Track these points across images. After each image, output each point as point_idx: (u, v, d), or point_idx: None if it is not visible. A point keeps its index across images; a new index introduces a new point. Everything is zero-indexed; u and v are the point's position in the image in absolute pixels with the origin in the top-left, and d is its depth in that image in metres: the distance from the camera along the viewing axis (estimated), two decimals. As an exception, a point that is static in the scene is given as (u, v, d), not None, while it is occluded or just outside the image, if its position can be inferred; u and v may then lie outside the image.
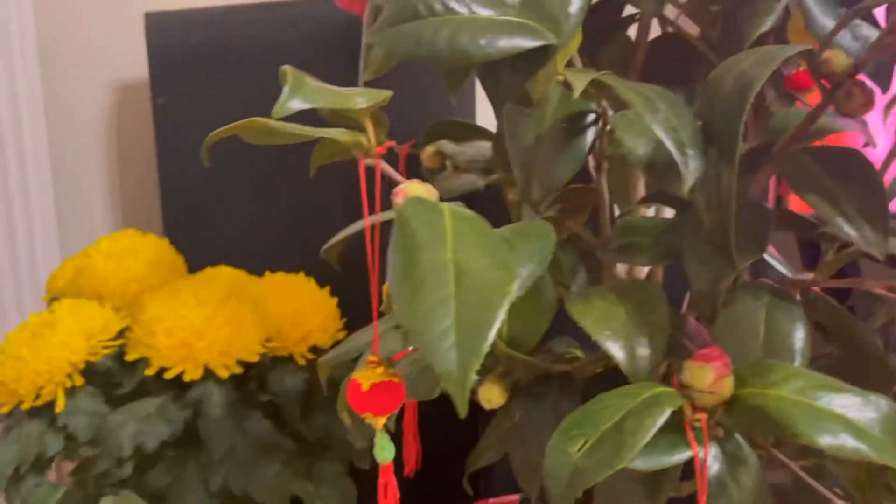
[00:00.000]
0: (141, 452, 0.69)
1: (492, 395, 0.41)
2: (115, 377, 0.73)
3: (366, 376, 0.37)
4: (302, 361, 0.79)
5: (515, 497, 0.95)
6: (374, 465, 0.93)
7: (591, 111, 0.45)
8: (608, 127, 0.45)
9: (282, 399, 0.77)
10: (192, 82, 1.01)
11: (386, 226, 0.40)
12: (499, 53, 0.37)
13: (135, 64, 1.12)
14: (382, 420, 0.38)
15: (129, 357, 0.71)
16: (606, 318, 0.37)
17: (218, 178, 1.01)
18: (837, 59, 0.36)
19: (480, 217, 0.34)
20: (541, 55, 0.39)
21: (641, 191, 0.60)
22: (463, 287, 0.29)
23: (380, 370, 0.37)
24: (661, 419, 0.31)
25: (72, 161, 1.14)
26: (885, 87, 0.40)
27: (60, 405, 0.68)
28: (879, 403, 0.31)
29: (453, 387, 0.28)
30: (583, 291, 0.41)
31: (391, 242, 0.33)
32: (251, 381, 0.77)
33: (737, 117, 0.33)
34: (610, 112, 0.45)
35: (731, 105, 0.34)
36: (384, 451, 0.39)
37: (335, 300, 0.85)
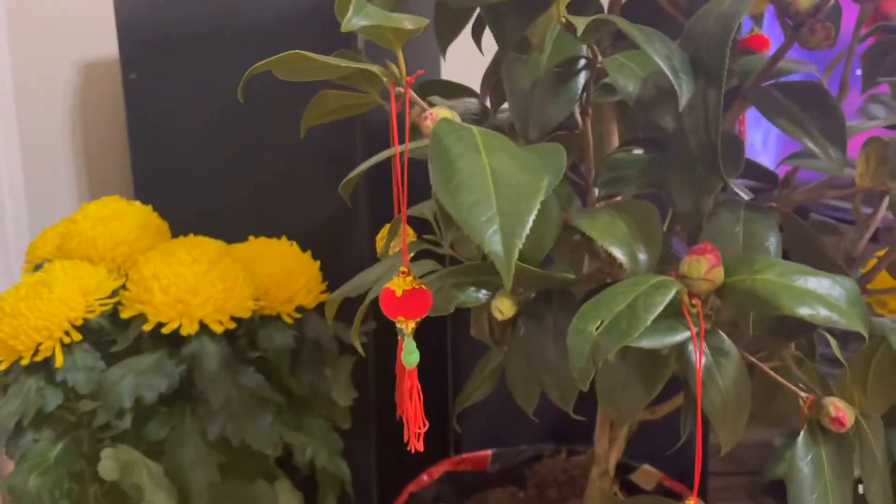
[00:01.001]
0: (140, 405, 0.71)
1: (503, 306, 0.46)
2: (108, 335, 0.75)
3: (398, 284, 0.41)
4: (289, 320, 0.83)
5: (488, 452, 1.01)
6: (355, 424, 0.96)
7: (583, 56, 0.50)
8: (599, 69, 0.50)
9: (271, 355, 0.80)
10: (161, 58, 1.02)
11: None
12: (511, -6, 0.41)
13: (103, 41, 1.13)
14: (412, 324, 0.42)
15: (125, 314, 0.73)
16: (610, 229, 0.42)
17: (189, 152, 1.03)
18: (802, 0, 0.42)
19: (502, 135, 0.39)
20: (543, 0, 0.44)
21: (616, 141, 0.66)
22: (499, 185, 0.34)
23: (410, 279, 0.42)
24: (668, 297, 0.36)
25: (41, 138, 1.14)
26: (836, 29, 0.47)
27: (59, 361, 0.69)
28: (845, 283, 0.37)
29: (500, 264, 0.32)
30: (584, 210, 0.46)
31: (430, 156, 0.37)
32: (241, 338, 0.79)
33: (723, 44, 0.38)
34: (600, 57, 0.50)
35: (716, 35, 0.39)
36: (410, 356, 0.44)
37: (318, 263, 0.89)
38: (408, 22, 0.36)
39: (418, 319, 0.42)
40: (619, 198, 0.57)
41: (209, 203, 1.02)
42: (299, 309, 0.84)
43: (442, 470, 0.97)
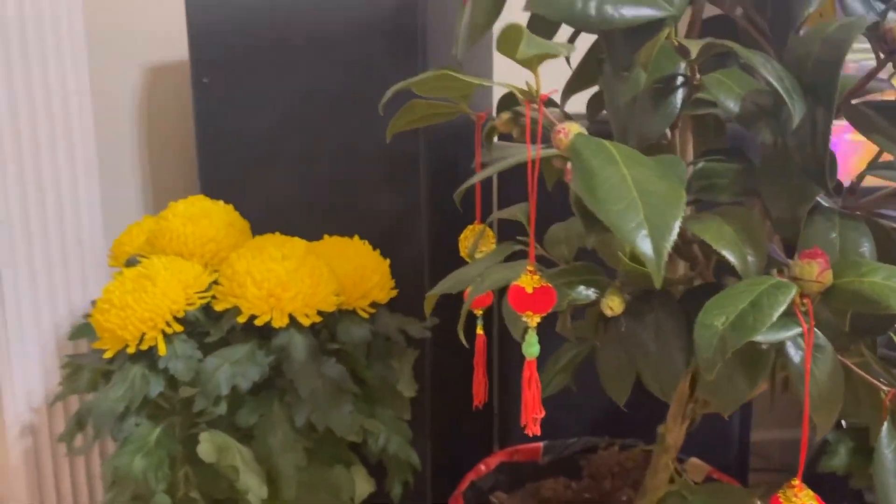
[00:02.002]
0: (235, 393, 0.75)
1: (614, 304, 0.50)
2: (201, 326, 0.79)
3: (528, 282, 0.46)
4: (364, 315, 0.87)
5: (540, 444, 1.05)
6: (415, 416, 1.01)
7: (682, 74, 0.54)
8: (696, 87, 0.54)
9: (349, 347, 0.84)
10: (231, 63, 1.06)
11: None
12: (635, 21, 0.46)
13: (172, 45, 1.18)
14: (537, 318, 0.46)
15: (219, 307, 0.78)
16: (720, 233, 0.46)
17: (254, 155, 1.07)
18: (899, 29, 0.46)
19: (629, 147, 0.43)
20: (656, 24, 0.48)
21: (691, 150, 0.70)
22: (643, 193, 0.38)
23: (537, 277, 0.46)
24: (790, 297, 0.40)
25: (112, 139, 1.18)
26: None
27: (163, 350, 0.74)
28: (946, 286, 0.41)
29: (651, 265, 0.37)
30: (693, 215, 0.50)
31: (573, 168, 0.41)
32: (322, 330, 0.84)
33: (835, 68, 0.42)
34: (698, 75, 0.54)
35: (826, 60, 0.43)
36: (532, 348, 0.48)
37: (388, 261, 0.93)
38: (563, 49, 0.40)
39: (544, 314, 0.46)
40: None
41: (274, 204, 1.06)
42: (373, 304, 0.89)
43: (498, 460, 1.02)
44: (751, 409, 1.13)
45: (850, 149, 0.99)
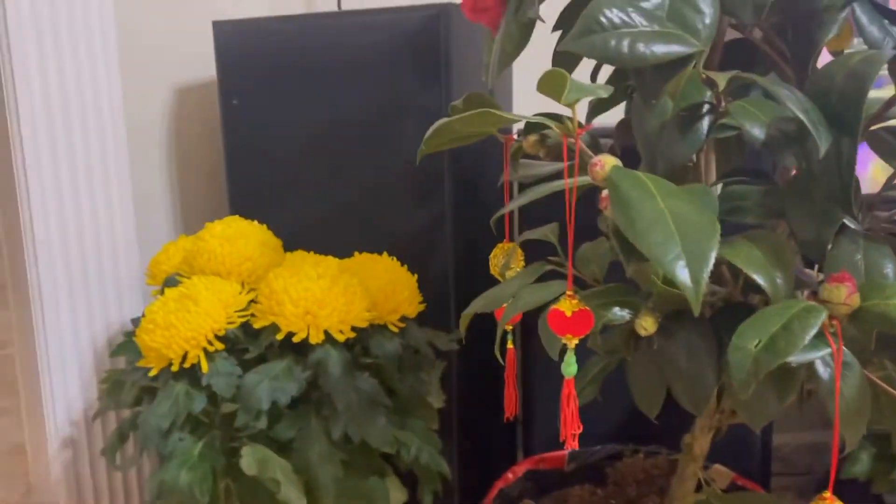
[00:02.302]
0: (276, 407, 0.78)
1: (647, 324, 0.53)
2: (240, 343, 0.82)
3: (567, 306, 0.48)
4: (394, 329, 0.90)
5: (565, 452, 1.07)
6: (442, 425, 1.03)
7: (707, 102, 0.57)
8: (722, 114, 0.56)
9: (381, 361, 0.87)
10: (259, 86, 1.10)
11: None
12: (665, 57, 0.48)
13: (200, 65, 1.21)
14: (576, 341, 0.49)
15: (258, 325, 0.81)
16: (750, 257, 0.48)
17: (282, 177, 1.10)
18: (919, 61, 0.48)
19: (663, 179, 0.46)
20: (685, 59, 0.51)
21: (713, 170, 0.72)
22: (680, 226, 0.41)
23: (575, 301, 0.48)
24: (820, 320, 0.42)
25: (144, 157, 1.21)
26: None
27: (205, 367, 0.77)
28: (968, 306, 0.43)
29: (689, 293, 0.39)
30: (723, 240, 0.53)
31: (612, 201, 0.44)
32: (356, 345, 0.87)
33: (859, 101, 0.45)
34: (723, 103, 0.57)
35: (850, 94, 0.46)
36: (570, 367, 0.50)
37: (415, 276, 0.96)
38: (602, 91, 0.43)
39: (583, 336, 0.49)
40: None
41: (300, 223, 1.09)
42: (402, 318, 0.91)
43: (525, 468, 1.04)
44: (772, 414, 1.15)
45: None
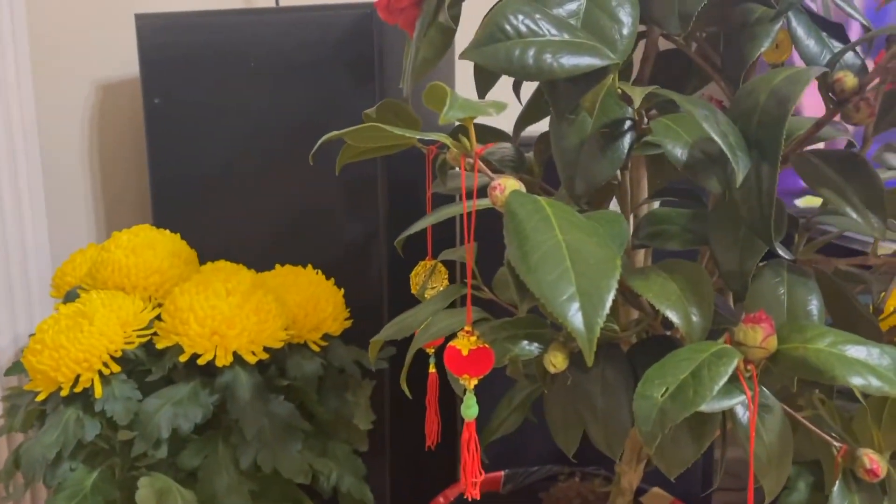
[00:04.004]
0: (176, 435, 0.72)
1: (557, 361, 0.48)
2: (141, 364, 0.76)
3: (464, 344, 0.43)
4: (316, 348, 0.85)
5: (501, 473, 1.03)
6: (370, 448, 0.98)
7: (629, 118, 0.52)
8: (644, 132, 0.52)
9: (299, 383, 0.82)
10: (184, 83, 1.03)
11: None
12: (576, 70, 0.44)
13: (123, 61, 1.14)
14: (475, 381, 0.44)
15: (161, 345, 0.75)
16: (665, 292, 0.44)
17: (210, 178, 1.04)
18: (848, 79, 0.44)
19: (564, 204, 0.41)
20: (600, 71, 0.46)
21: (644, 188, 0.68)
22: (577, 262, 0.36)
23: (474, 338, 0.44)
24: (731, 367, 0.38)
25: (60, 157, 1.14)
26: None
27: (99, 391, 0.71)
28: (893, 353, 0.39)
29: (582, 341, 0.35)
30: (637, 270, 0.49)
31: (506, 230, 0.39)
32: (271, 366, 0.81)
33: (779, 125, 0.41)
34: (646, 120, 0.52)
35: (772, 115, 0.42)
36: (470, 409, 0.46)
37: (342, 291, 0.91)
38: (492, 109, 0.38)
39: (481, 377, 0.44)
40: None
41: (229, 230, 1.03)
42: (325, 336, 0.86)
43: (457, 492, 0.99)
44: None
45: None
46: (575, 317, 0.35)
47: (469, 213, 0.43)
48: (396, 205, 1.02)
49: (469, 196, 0.43)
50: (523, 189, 0.43)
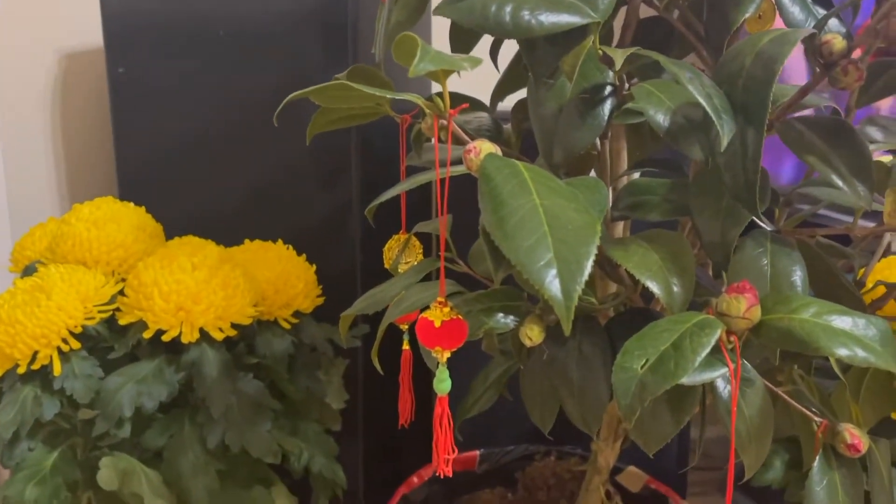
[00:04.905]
0: (141, 413, 0.70)
1: (533, 334, 0.47)
2: (104, 341, 0.74)
3: (436, 315, 0.41)
4: (286, 325, 0.82)
5: (476, 453, 1.02)
6: (343, 427, 0.96)
7: (609, 83, 0.51)
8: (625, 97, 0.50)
9: (269, 361, 0.79)
10: (150, 53, 1.00)
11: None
12: (554, 28, 0.42)
13: (87, 30, 1.10)
14: (448, 354, 0.42)
15: (124, 321, 0.72)
16: (645, 262, 0.42)
17: (177, 151, 1.01)
18: (836, 42, 0.42)
19: (543, 169, 0.39)
20: (580, 31, 0.44)
21: (625, 159, 0.66)
22: (554, 227, 0.34)
23: (447, 310, 0.42)
24: (714, 338, 0.37)
25: (21, 129, 1.10)
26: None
27: (58, 369, 0.68)
28: (878, 323, 0.38)
29: (559, 309, 0.33)
30: (617, 240, 0.47)
31: (480, 195, 0.37)
32: (240, 343, 0.79)
33: (766, 88, 0.39)
34: (627, 85, 0.51)
35: (758, 78, 0.40)
36: (442, 384, 0.44)
37: (314, 267, 0.88)
38: (467, 63, 0.36)
39: (454, 349, 0.42)
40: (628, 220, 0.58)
41: (197, 204, 1.01)
42: (296, 314, 0.84)
43: (432, 471, 0.98)
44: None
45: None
46: (552, 284, 0.33)
47: (443, 180, 0.41)
48: (370, 180, 0.99)
49: (442, 161, 0.41)
50: (499, 153, 0.41)
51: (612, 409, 0.64)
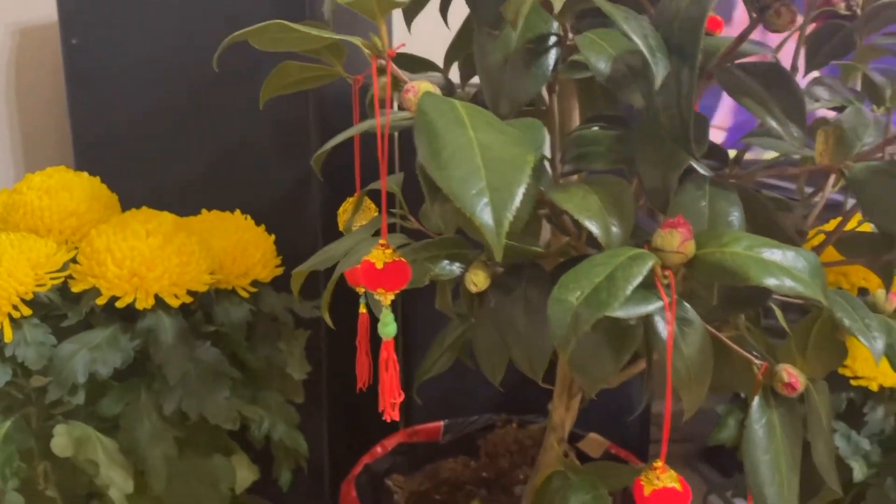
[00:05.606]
0: (93, 381, 0.69)
1: (478, 279, 0.47)
2: (57, 309, 0.73)
3: (378, 257, 0.42)
4: (244, 294, 0.82)
5: (440, 423, 1.02)
6: (307, 398, 0.96)
7: (554, 33, 0.51)
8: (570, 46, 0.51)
9: (227, 329, 0.79)
10: (104, 23, 0.99)
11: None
12: (491, -30, 0.42)
13: (40, 5, 1.08)
14: (391, 296, 0.43)
15: (77, 288, 0.71)
16: (585, 204, 0.43)
17: (134, 121, 1.00)
18: (769, -16, 0.43)
19: (483, 109, 0.40)
20: (520, -23, 0.45)
21: (576, 117, 0.67)
22: (488, 159, 0.35)
23: (389, 251, 0.42)
24: (646, 269, 0.37)
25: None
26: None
27: (8, 336, 0.67)
28: (808, 255, 0.39)
29: (490, 237, 0.33)
30: (559, 185, 0.47)
31: (416, 130, 0.37)
32: (197, 312, 0.78)
33: (698, 26, 0.40)
34: (570, 35, 0.51)
35: (691, 17, 0.41)
36: (387, 327, 0.44)
37: (272, 237, 0.88)
38: (398, -5, 0.36)
39: (397, 291, 0.43)
40: (580, 174, 0.58)
41: (155, 175, 1.00)
42: (255, 283, 0.84)
43: (395, 441, 0.99)
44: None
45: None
46: (483, 211, 0.33)
47: (384, 124, 0.41)
48: (332, 150, 0.99)
49: (382, 102, 0.41)
50: (438, 92, 0.41)
51: (563, 364, 0.65)
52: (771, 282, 0.37)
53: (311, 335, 0.93)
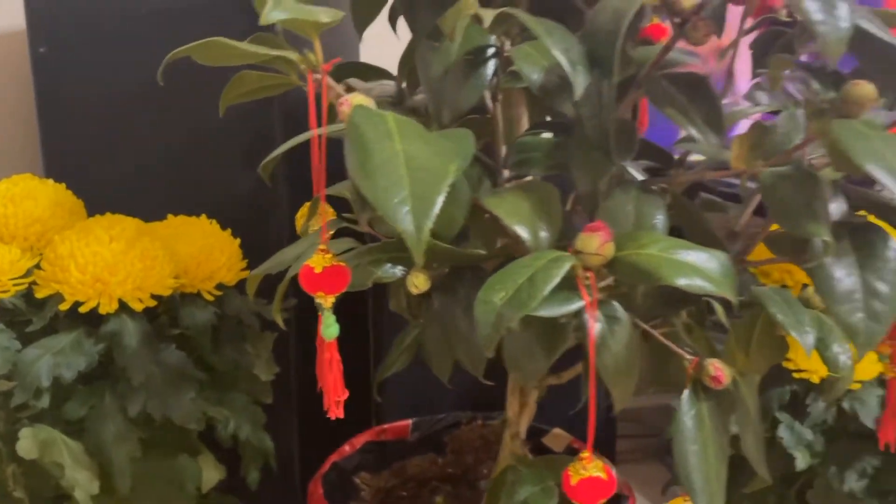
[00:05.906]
0: (58, 384, 0.71)
1: (418, 281, 0.49)
2: (21, 315, 0.74)
3: (317, 261, 0.44)
4: (210, 297, 0.84)
5: (409, 422, 1.04)
6: (277, 399, 0.98)
7: (492, 45, 0.53)
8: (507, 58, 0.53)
9: (192, 332, 0.81)
10: (72, 32, 1.00)
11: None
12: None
13: (8, 13, 1.09)
14: (331, 299, 0.45)
15: (40, 294, 0.73)
16: (516, 208, 0.45)
17: (102, 128, 1.01)
18: (685, 0, 0.46)
19: (415, 121, 0.42)
20: (455, -7, 0.47)
21: (525, 124, 0.69)
22: (412, 169, 0.37)
23: (329, 256, 0.44)
24: (563, 270, 0.40)
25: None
26: (719, 30, 0.51)
27: (-27, 341, 0.69)
28: (720, 256, 0.42)
29: (412, 242, 0.35)
30: (493, 191, 0.50)
31: (346, 141, 0.39)
32: (162, 315, 0.80)
33: (614, 38, 0.42)
34: (508, 46, 0.53)
35: (609, 30, 0.43)
36: (329, 328, 0.46)
37: (238, 241, 0.90)
38: (323, 15, 0.38)
39: (337, 294, 0.45)
40: (528, 178, 0.61)
41: (123, 181, 1.01)
42: (220, 286, 0.85)
43: (364, 440, 1.01)
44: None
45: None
46: (405, 219, 0.35)
47: (320, 134, 0.43)
48: (296, 156, 1.01)
49: (317, 116, 0.43)
50: (373, 106, 0.43)
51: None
52: (681, 281, 0.40)
53: (280, 337, 0.95)
